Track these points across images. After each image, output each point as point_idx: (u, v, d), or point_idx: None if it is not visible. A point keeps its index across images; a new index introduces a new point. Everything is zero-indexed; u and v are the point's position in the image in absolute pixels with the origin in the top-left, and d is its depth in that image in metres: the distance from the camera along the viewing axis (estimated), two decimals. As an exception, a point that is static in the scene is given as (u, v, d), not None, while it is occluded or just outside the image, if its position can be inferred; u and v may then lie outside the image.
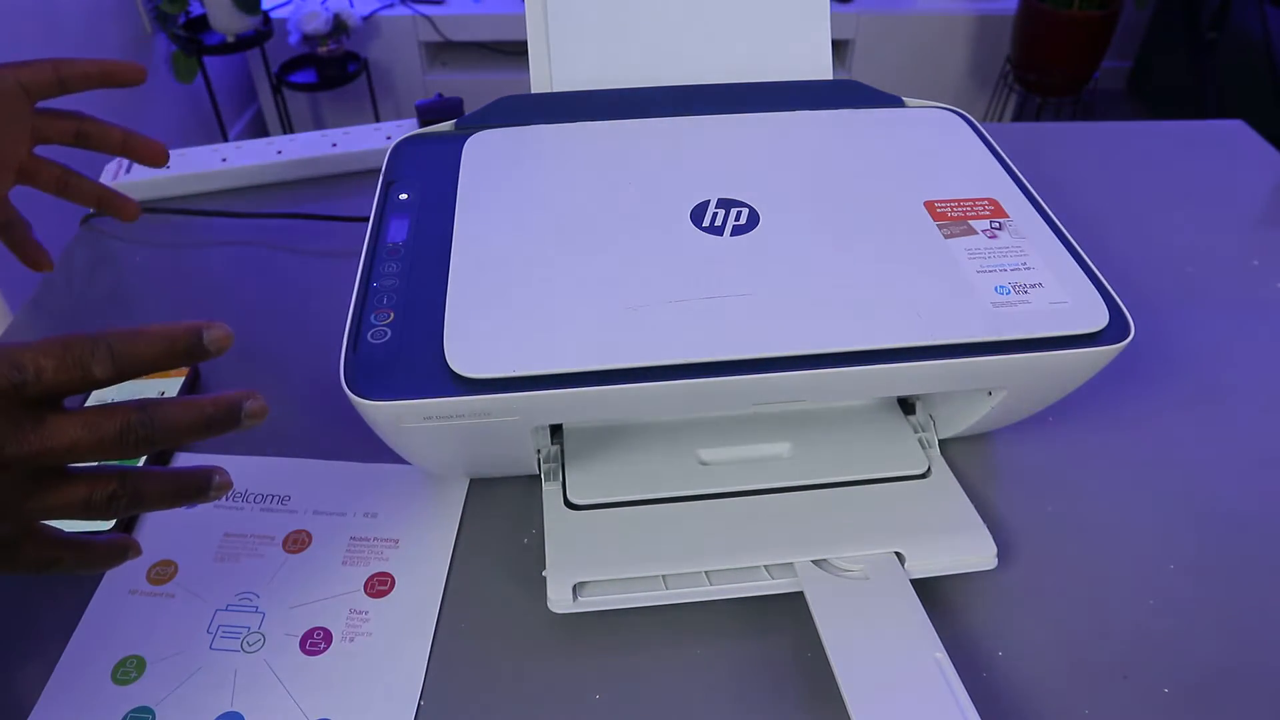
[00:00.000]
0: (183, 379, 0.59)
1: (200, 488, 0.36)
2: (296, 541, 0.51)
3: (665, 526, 0.48)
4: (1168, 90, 2.59)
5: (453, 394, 0.41)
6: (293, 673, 0.45)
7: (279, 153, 0.80)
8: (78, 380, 0.32)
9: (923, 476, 0.51)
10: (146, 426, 0.33)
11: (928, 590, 0.47)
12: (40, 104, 0.54)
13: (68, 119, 0.54)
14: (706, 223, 0.48)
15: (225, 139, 2.29)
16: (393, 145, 0.56)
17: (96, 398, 0.56)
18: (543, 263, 0.46)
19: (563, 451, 0.51)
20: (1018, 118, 2.44)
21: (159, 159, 0.56)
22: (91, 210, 0.75)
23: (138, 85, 0.55)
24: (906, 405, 0.55)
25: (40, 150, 0.56)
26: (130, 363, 0.33)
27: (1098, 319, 0.44)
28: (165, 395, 0.57)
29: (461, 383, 0.41)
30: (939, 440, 0.54)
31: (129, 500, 0.34)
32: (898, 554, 0.47)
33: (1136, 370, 0.62)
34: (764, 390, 0.43)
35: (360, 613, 0.47)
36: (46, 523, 0.36)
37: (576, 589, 0.45)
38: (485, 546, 0.51)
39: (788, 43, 0.61)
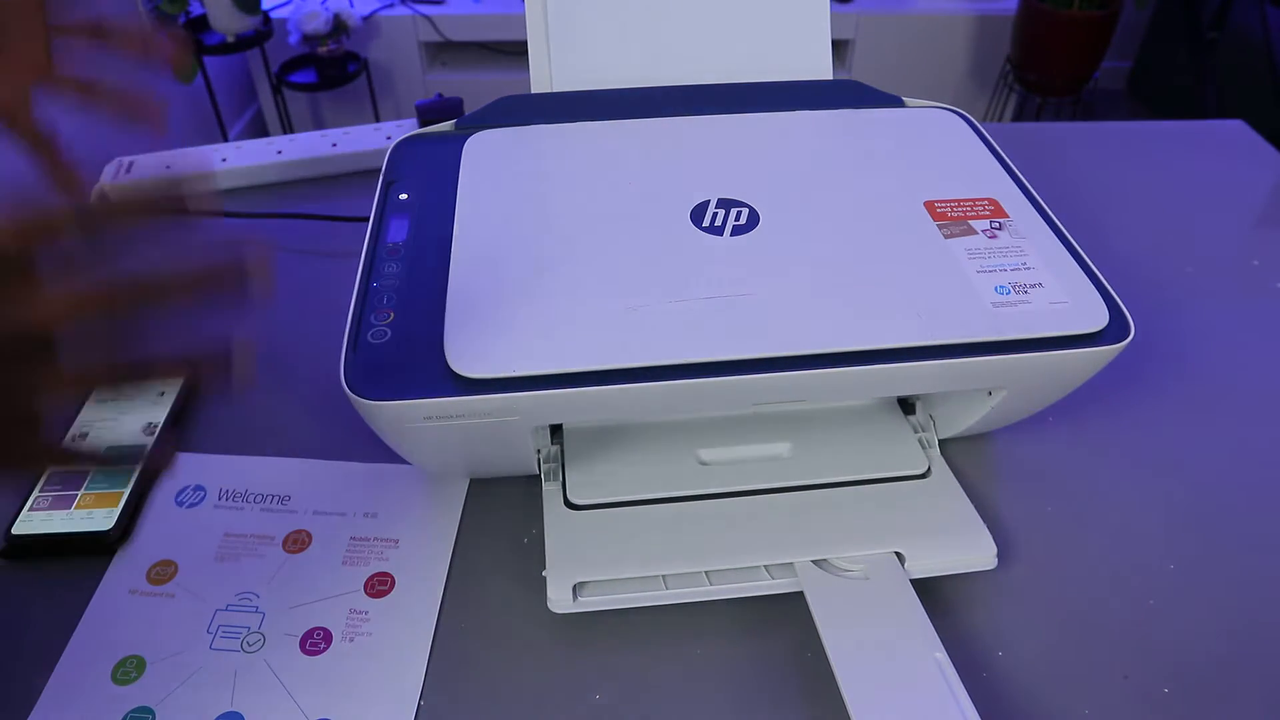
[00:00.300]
0: (182, 379, 0.59)
1: (233, 275, 0.30)
2: (296, 541, 0.51)
3: (665, 526, 0.48)
4: (1168, 90, 2.59)
5: (453, 394, 0.41)
6: (293, 673, 0.45)
7: (279, 153, 0.80)
8: (41, 235, 0.27)
9: (923, 476, 0.51)
10: (136, 289, 0.28)
11: (928, 590, 0.47)
12: None
13: (83, 19, 0.48)
14: (706, 223, 0.48)
15: (225, 139, 2.29)
16: (393, 145, 0.56)
17: (92, 420, 0.56)
18: (543, 263, 0.46)
19: (563, 451, 0.51)
20: (1018, 118, 2.44)
21: (185, 67, 0.50)
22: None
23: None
24: (906, 405, 0.55)
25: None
26: (102, 225, 0.28)
27: (1098, 319, 0.44)
28: (165, 395, 0.58)
29: (461, 383, 0.41)
30: (939, 440, 0.53)
31: (131, 375, 0.29)
32: (898, 554, 0.47)
33: (1136, 370, 0.62)
34: (764, 390, 0.43)
35: (360, 613, 0.47)
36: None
37: (576, 589, 0.45)
38: (485, 546, 0.51)
39: (788, 43, 0.61)
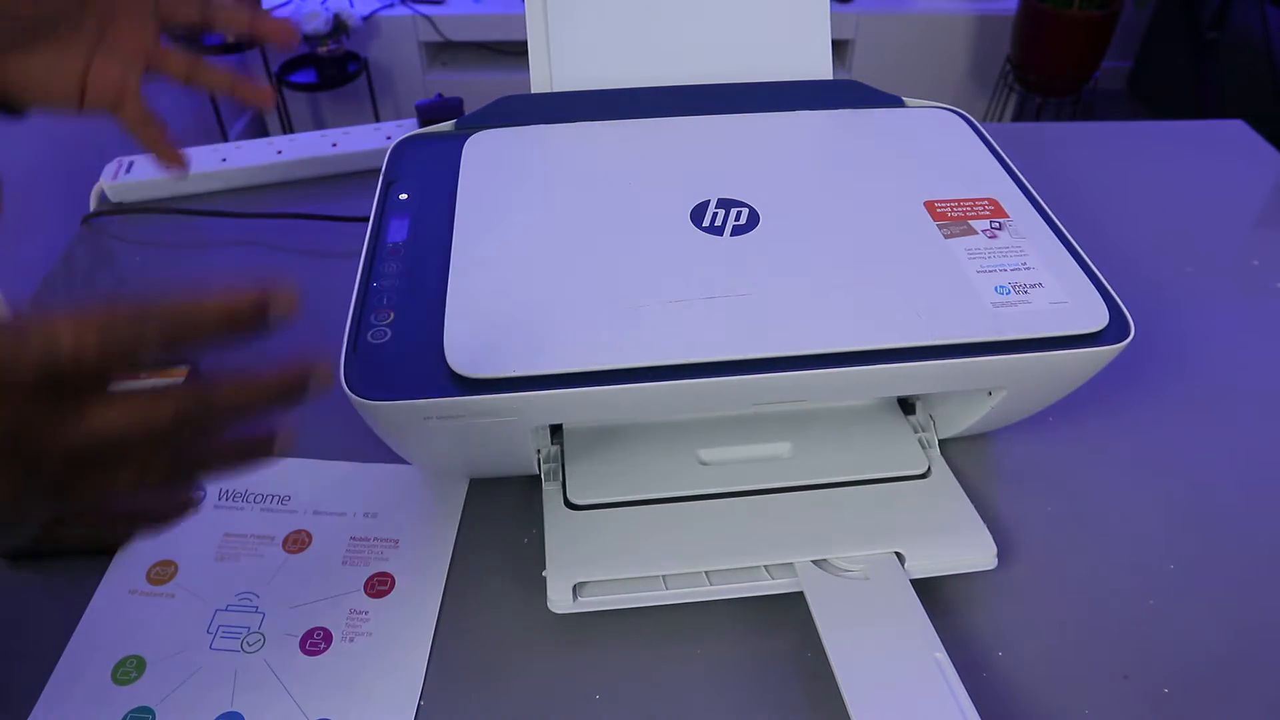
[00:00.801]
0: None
1: (264, 447, 0.32)
2: (296, 541, 0.51)
3: (665, 526, 0.48)
4: (1168, 90, 2.59)
5: (453, 394, 0.41)
6: (293, 673, 0.45)
7: (279, 153, 0.80)
8: (122, 365, 0.28)
9: (923, 476, 0.51)
10: (202, 414, 0.29)
11: (928, 590, 0.47)
12: None
13: (191, 1, 0.50)
14: (706, 223, 0.48)
15: (225, 139, 2.29)
16: (393, 145, 0.56)
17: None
18: (543, 262, 0.46)
19: (563, 451, 0.51)
20: (1018, 118, 2.44)
21: (291, 38, 0.50)
22: (92, 210, 0.75)
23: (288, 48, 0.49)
24: (906, 405, 0.55)
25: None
26: (183, 343, 0.28)
27: (1098, 319, 0.44)
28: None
29: (461, 383, 0.41)
30: (939, 440, 0.53)
31: (185, 476, 0.31)
32: (898, 554, 0.47)
33: (1136, 370, 0.62)
34: (764, 390, 0.43)
35: (360, 613, 0.47)
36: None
37: (576, 589, 0.45)
38: (485, 546, 0.51)
39: (788, 43, 0.61)
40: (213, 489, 0.54)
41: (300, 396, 0.31)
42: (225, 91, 0.52)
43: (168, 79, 0.51)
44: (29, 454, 0.27)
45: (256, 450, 0.32)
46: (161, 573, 0.49)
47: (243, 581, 0.49)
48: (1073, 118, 2.34)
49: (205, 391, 0.29)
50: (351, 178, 0.81)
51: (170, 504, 0.33)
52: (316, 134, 0.82)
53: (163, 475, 0.30)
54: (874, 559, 0.47)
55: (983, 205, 0.50)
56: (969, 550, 0.48)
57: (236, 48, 2.08)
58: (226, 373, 0.30)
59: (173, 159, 0.51)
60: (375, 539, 0.51)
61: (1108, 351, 0.44)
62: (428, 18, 2.36)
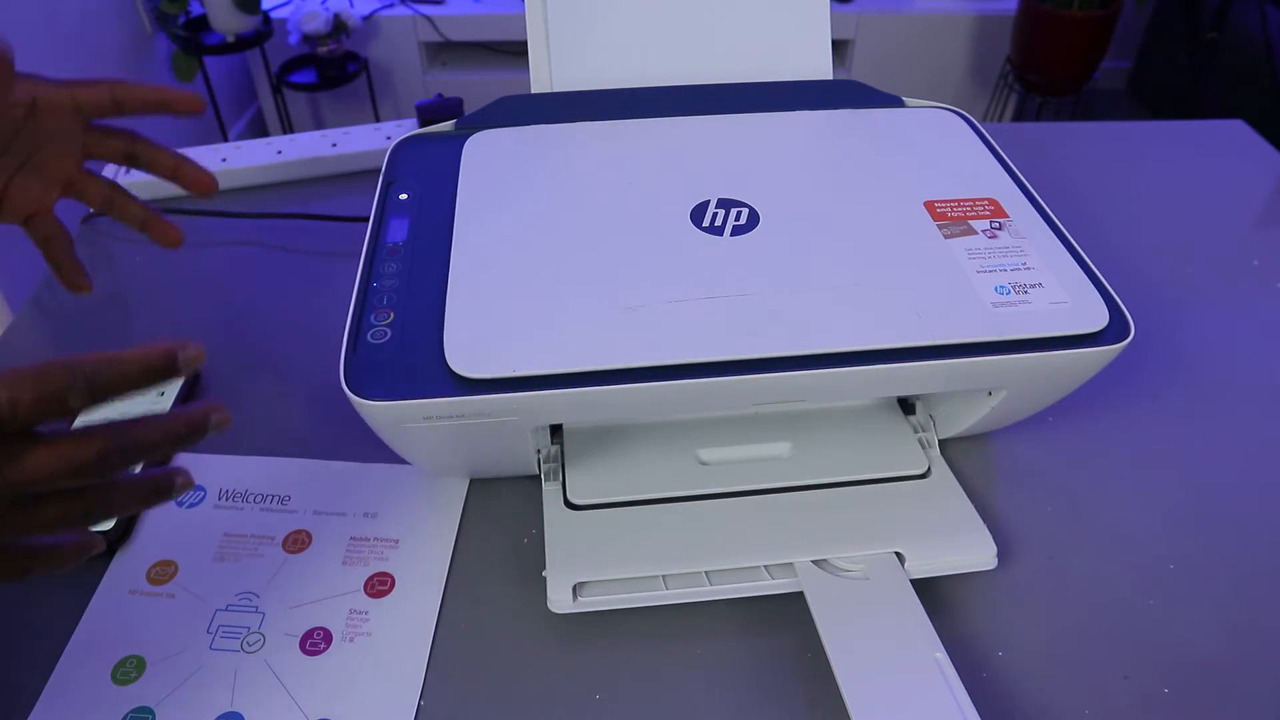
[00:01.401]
0: (182, 379, 0.59)
1: (164, 489, 0.36)
2: (296, 541, 0.51)
3: (665, 526, 0.48)
4: (1168, 90, 2.59)
5: (453, 394, 0.41)
6: (293, 673, 0.45)
7: (279, 153, 0.80)
8: (54, 412, 0.32)
9: (923, 476, 0.51)
10: (121, 452, 0.33)
11: (928, 590, 0.47)
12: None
13: (120, 138, 0.53)
14: (706, 223, 0.48)
15: (225, 139, 2.29)
16: (393, 145, 0.56)
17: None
18: (543, 263, 0.46)
19: (563, 451, 0.51)
20: (1018, 118, 2.44)
21: (208, 189, 0.54)
22: (93, 210, 0.75)
23: (196, 115, 0.54)
24: (906, 405, 0.55)
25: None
26: (107, 391, 0.33)
27: (1098, 319, 0.44)
28: (165, 395, 0.58)
29: (461, 383, 0.41)
30: (939, 440, 0.54)
31: (99, 513, 0.35)
32: (898, 554, 0.47)
33: (1137, 370, 0.62)
34: (764, 390, 0.43)
35: (360, 613, 0.47)
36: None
37: (576, 589, 0.45)
38: (485, 546, 0.51)
39: (788, 43, 0.61)
40: (213, 489, 0.54)
41: (201, 436, 0.35)
42: (136, 226, 0.56)
43: (86, 202, 0.55)
44: None
45: (161, 489, 0.36)
46: (161, 573, 0.49)
47: (243, 581, 0.49)
48: (1073, 118, 2.34)
49: (123, 432, 0.33)
50: (351, 178, 0.81)
51: (78, 543, 0.37)
52: (316, 134, 0.82)
53: (81, 513, 0.34)
54: (874, 559, 0.47)
55: (983, 205, 0.50)
56: (969, 550, 0.48)
57: (236, 47, 2.08)
58: (137, 419, 0.34)
59: (75, 281, 0.56)
60: (375, 539, 0.51)
61: (1108, 351, 0.44)
62: (428, 18, 2.36)
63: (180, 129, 2.17)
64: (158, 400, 0.57)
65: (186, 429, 0.35)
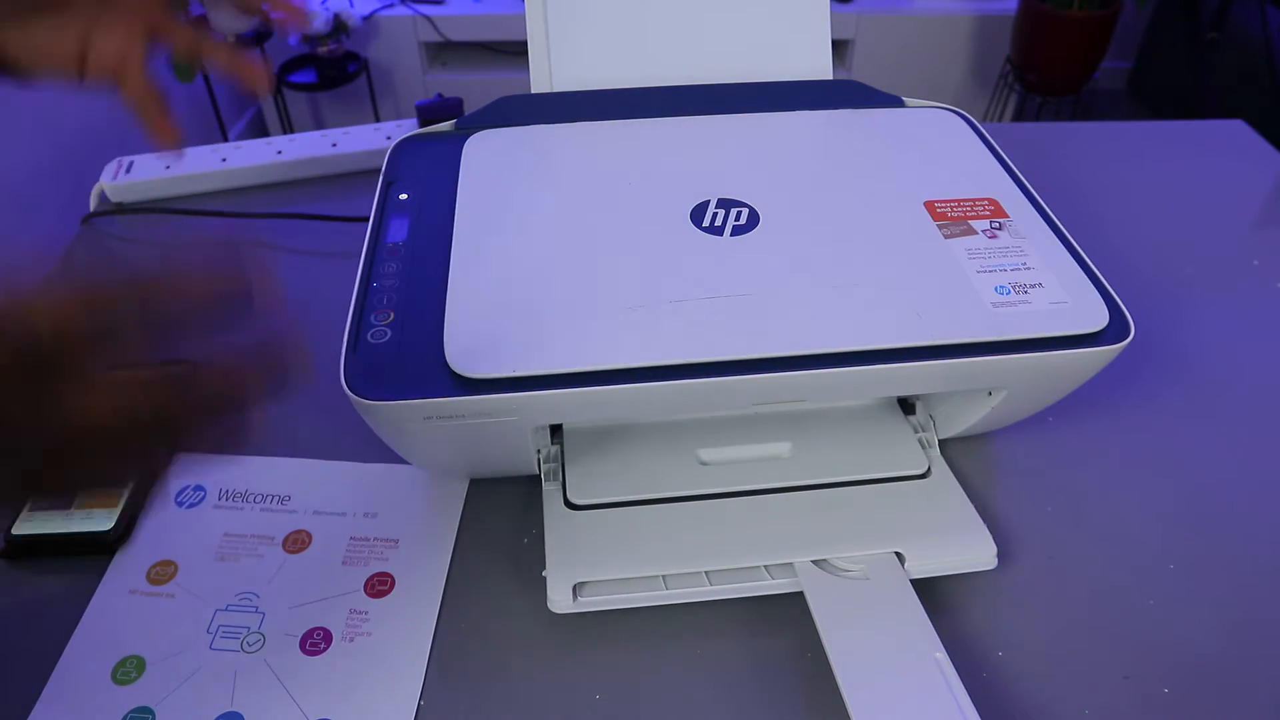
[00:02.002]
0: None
1: (238, 437, 0.31)
2: (296, 541, 0.51)
3: (665, 526, 0.48)
4: (1168, 90, 2.59)
5: (453, 394, 0.41)
6: (293, 673, 0.45)
7: (279, 153, 0.80)
8: (104, 346, 0.27)
9: (923, 476, 0.51)
10: (185, 401, 0.29)
11: (928, 590, 0.47)
12: None
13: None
14: (706, 223, 0.48)
15: (225, 139, 2.29)
16: (393, 145, 0.56)
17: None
18: (543, 262, 0.46)
19: (563, 451, 0.51)
20: (1018, 118, 2.44)
21: (265, 85, 0.48)
22: (92, 210, 0.75)
23: (175, 150, 0.49)
24: (906, 405, 0.55)
25: None
26: (165, 324, 0.28)
27: (1098, 319, 0.44)
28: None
29: (461, 383, 0.41)
30: (939, 440, 0.53)
31: (159, 461, 0.31)
32: (898, 554, 0.47)
33: (1136, 370, 0.62)
34: (764, 390, 0.43)
35: (360, 613, 0.47)
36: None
37: (576, 589, 0.45)
38: (485, 546, 0.51)
39: (788, 43, 0.61)
40: (213, 489, 0.54)
41: (279, 388, 0.30)
42: (224, 69, 0.49)
43: (171, 52, 0.49)
44: (4, 444, 0.26)
45: (230, 440, 0.31)
46: (161, 573, 0.49)
47: (243, 581, 0.49)
48: (1073, 118, 2.33)
49: (187, 381, 0.29)
50: (351, 178, 0.81)
51: (132, 472, 0.32)
52: (316, 134, 0.82)
53: (137, 464, 0.30)
54: (874, 559, 0.47)
55: (983, 205, 0.50)
56: (969, 550, 0.48)
57: (236, 47, 2.08)
58: (208, 362, 0.29)
59: (169, 136, 0.48)
60: (375, 539, 0.51)
61: (1108, 351, 0.44)
62: (428, 18, 2.36)
63: (181, 129, 2.17)
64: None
65: (263, 378, 0.30)
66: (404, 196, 0.52)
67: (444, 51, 2.54)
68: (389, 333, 0.44)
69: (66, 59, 0.45)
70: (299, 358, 0.30)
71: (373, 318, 0.44)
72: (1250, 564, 0.50)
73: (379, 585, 0.49)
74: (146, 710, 0.43)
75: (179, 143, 0.49)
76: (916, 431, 0.53)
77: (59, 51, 0.45)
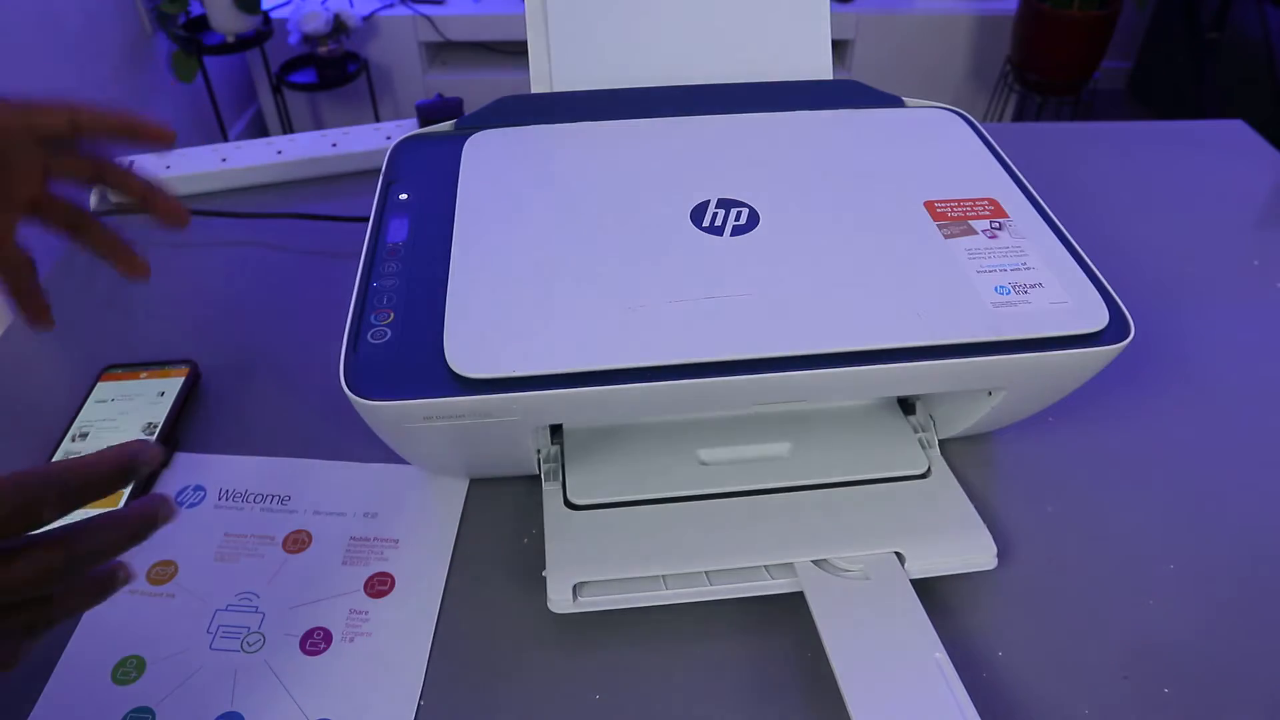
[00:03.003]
0: (182, 378, 0.59)
1: (110, 584, 0.36)
2: (296, 541, 0.51)
3: (665, 526, 0.48)
4: (1168, 90, 2.59)
5: (453, 394, 0.41)
6: (293, 673, 0.45)
7: (279, 153, 0.80)
8: (29, 526, 0.33)
9: (923, 476, 0.51)
10: (90, 555, 0.34)
11: (928, 590, 0.47)
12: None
13: (85, 159, 0.49)
14: (706, 223, 0.48)
15: (225, 139, 2.29)
16: (393, 145, 0.56)
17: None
18: (542, 263, 0.46)
19: (563, 451, 0.51)
20: (1018, 118, 2.44)
21: (179, 221, 0.51)
22: (93, 210, 0.75)
23: (166, 148, 0.50)
24: (906, 405, 0.55)
25: None
26: (79, 501, 0.34)
27: (1098, 319, 0.44)
28: (165, 395, 0.58)
29: (461, 383, 0.41)
30: (939, 440, 0.53)
31: (64, 615, 0.35)
32: (898, 554, 0.47)
33: (1137, 370, 0.62)
34: (764, 390, 0.43)
35: (360, 613, 0.47)
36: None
37: (576, 589, 0.45)
38: (485, 546, 0.51)
39: (788, 43, 0.61)
40: (213, 489, 0.54)
41: (154, 529, 0.35)
42: (104, 254, 0.51)
43: (51, 230, 0.50)
44: None
45: (108, 585, 0.36)
46: (161, 573, 0.49)
47: (243, 581, 0.49)
48: (1073, 118, 2.34)
49: (88, 534, 0.34)
50: (351, 178, 0.81)
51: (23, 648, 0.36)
52: (316, 134, 0.82)
53: (45, 619, 0.34)
54: (874, 559, 0.47)
55: (983, 205, 0.50)
56: (969, 550, 0.48)
57: (236, 47, 2.08)
58: (93, 520, 0.34)
59: (36, 314, 0.50)
60: (375, 539, 0.51)
61: (1108, 351, 0.44)
62: (428, 18, 2.36)
63: (180, 129, 2.17)
64: (157, 400, 0.57)
65: (142, 523, 0.35)
66: (404, 196, 0.52)
67: (444, 51, 2.54)
68: (389, 333, 0.44)
69: None
70: (166, 507, 0.36)
71: (373, 318, 0.44)
72: (1250, 564, 0.50)
73: (379, 585, 0.49)
74: (146, 710, 0.43)
75: (48, 320, 0.51)
76: (916, 431, 0.53)
77: None
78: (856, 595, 0.45)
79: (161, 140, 0.49)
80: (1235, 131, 0.90)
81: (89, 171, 0.49)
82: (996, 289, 0.45)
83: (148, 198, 0.50)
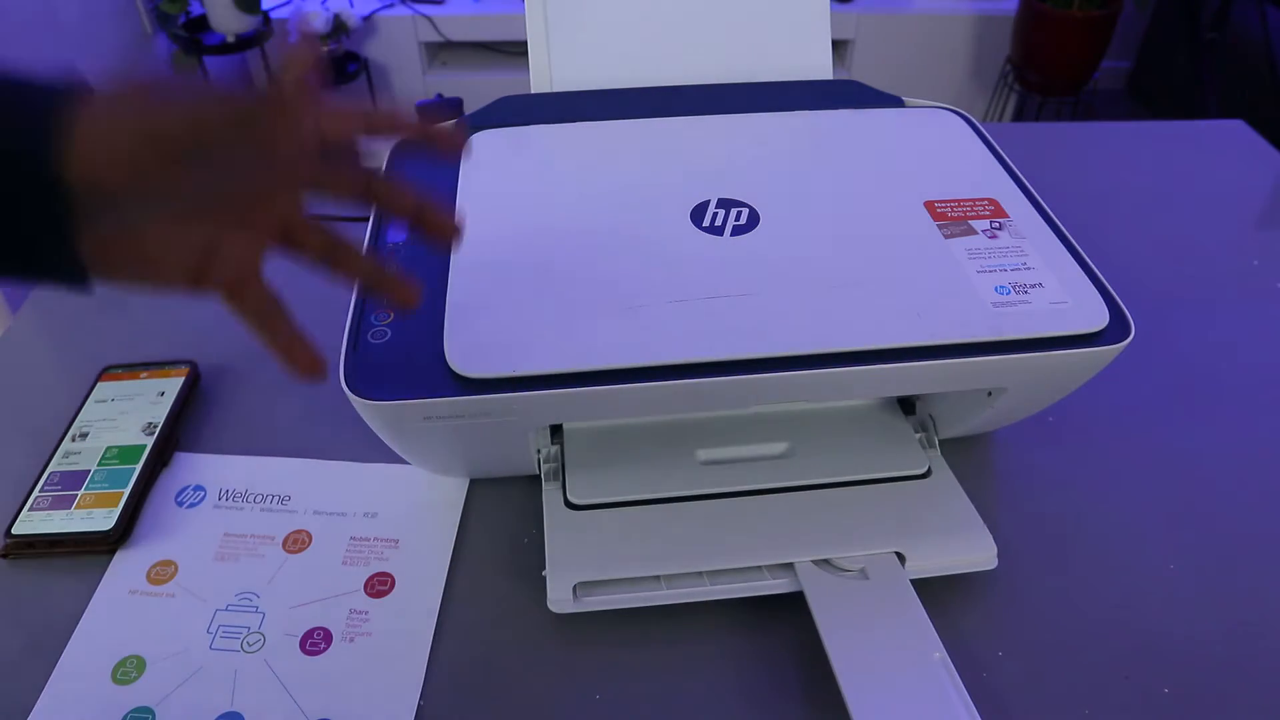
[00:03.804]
0: (182, 379, 0.59)
1: (402, 291, 0.39)
2: (296, 541, 0.51)
3: (665, 526, 0.48)
4: (1168, 90, 2.59)
5: (453, 394, 0.41)
6: (293, 673, 0.45)
7: (279, 153, 0.79)
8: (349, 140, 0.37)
9: (923, 476, 0.51)
10: (383, 188, 0.38)
11: (928, 590, 0.47)
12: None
13: (361, 174, 0.38)
14: (706, 223, 0.48)
15: (225, 139, 2.28)
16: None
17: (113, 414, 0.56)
18: (543, 262, 0.46)
19: (563, 451, 0.51)
20: (1018, 118, 2.44)
21: (453, 237, 0.40)
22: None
23: (455, 161, 0.50)
24: (906, 405, 0.55)
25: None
26: (382, 135, 0.38)
27: (1098, 319, 0.44)
28: (165, 395, 0.58)
29: (461, 383, 0.41)
30: (939, 440, 0.53)
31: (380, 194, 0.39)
32: (898, 554, 0.47)
33: (1137, 370, 0.62)
34: (764, 390, 0.43)
35: (360, 613, 0.47)
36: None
37: (576, 589, 0.45)
38: (485, 546, 0.51)
39: (788, 43, 0.61)
40: (213, 489, 0.54)
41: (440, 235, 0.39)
42: (368, 284, 0.40)
43: (301, 261, 0.40)
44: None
45: (397, 287, 0.39)
46: (161, 573, 0.49)
47: (243, 581, 0.49)
48: (1073, 118, 2.33)
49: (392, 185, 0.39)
50: (351, 178, 0.81)
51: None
52: (316, 134, 0.81)
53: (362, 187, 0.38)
54: (874, 559, 0.47)
55: (983, 205, 0.50)
56: (969, 550, 0.48)
57: (236, 47, 2.08)
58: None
59: (307, 363, 0.38)
60: (375, 539, 0.51)
61: (1108, 351, 0.44)
62: (428, 18, 2.36)
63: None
64: (157, 400, 0.57)
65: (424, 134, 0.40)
66: (404, 196, 0.52)
67: (444, 51, 2.54)
68: (389, 333, 0.44)
69: (179, 271, 0.36)
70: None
71: (373, 318, 0.44)
72: (1250, 564, 0.50)
73: (379, 585, 0.49)
74: (146, 710, 0.43)
75: (322, 373, 0.38)
76: (916, 431, 0.53)
77: (174, 262, 0.36)
78: (856, 595, 0.45)
79: (453, 151, 0.42)
80: (1235, 131, 0.90)
81: (359, 188, 0.39)
82: (996, 289, 0.45)
83: (423, 214, 0.40)
